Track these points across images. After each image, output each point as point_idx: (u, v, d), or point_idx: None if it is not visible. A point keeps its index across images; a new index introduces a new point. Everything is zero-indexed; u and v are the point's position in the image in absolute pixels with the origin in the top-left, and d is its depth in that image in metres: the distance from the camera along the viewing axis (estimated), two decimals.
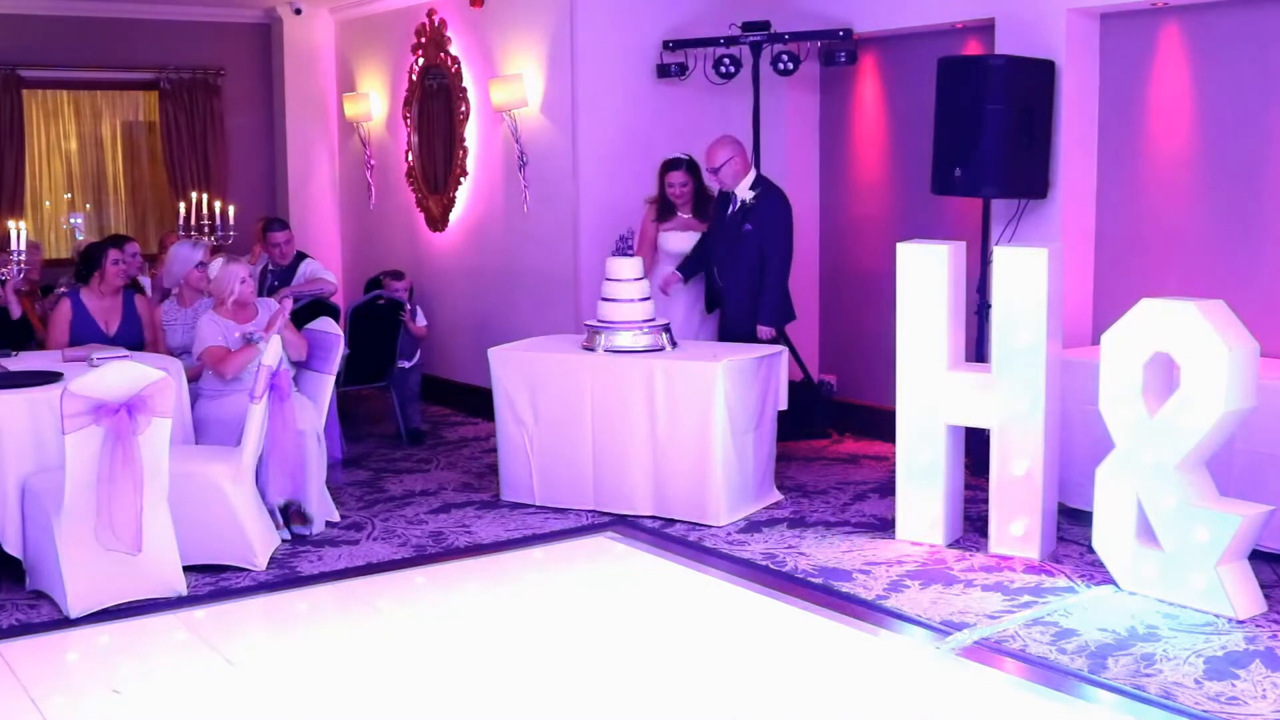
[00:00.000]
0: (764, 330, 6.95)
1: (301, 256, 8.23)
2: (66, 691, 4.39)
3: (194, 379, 6.26)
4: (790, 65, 7.66)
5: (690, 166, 7.23)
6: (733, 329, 7.04)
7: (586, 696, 4.31)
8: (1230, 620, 4.85)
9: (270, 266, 8.17)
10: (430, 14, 9.17)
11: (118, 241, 7.34)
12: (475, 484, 7.10)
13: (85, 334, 6.75)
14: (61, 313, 6.79)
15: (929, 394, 5.82)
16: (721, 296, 7.14)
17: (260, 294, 7.23)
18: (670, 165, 7.24)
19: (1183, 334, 4.93)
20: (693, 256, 7.21)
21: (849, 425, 8.03)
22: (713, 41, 7.77)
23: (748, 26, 7.73)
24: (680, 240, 7.24)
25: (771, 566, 5.61)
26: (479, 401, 8.17)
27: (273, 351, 5.69)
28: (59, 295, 7.23)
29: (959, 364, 5.88)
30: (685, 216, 7.27)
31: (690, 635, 4.84)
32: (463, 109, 8.96)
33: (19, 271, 6.85)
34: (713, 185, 7.18)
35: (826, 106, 8.35)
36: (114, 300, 6.87)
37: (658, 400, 6.25)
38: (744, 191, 6.98)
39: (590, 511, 6.45)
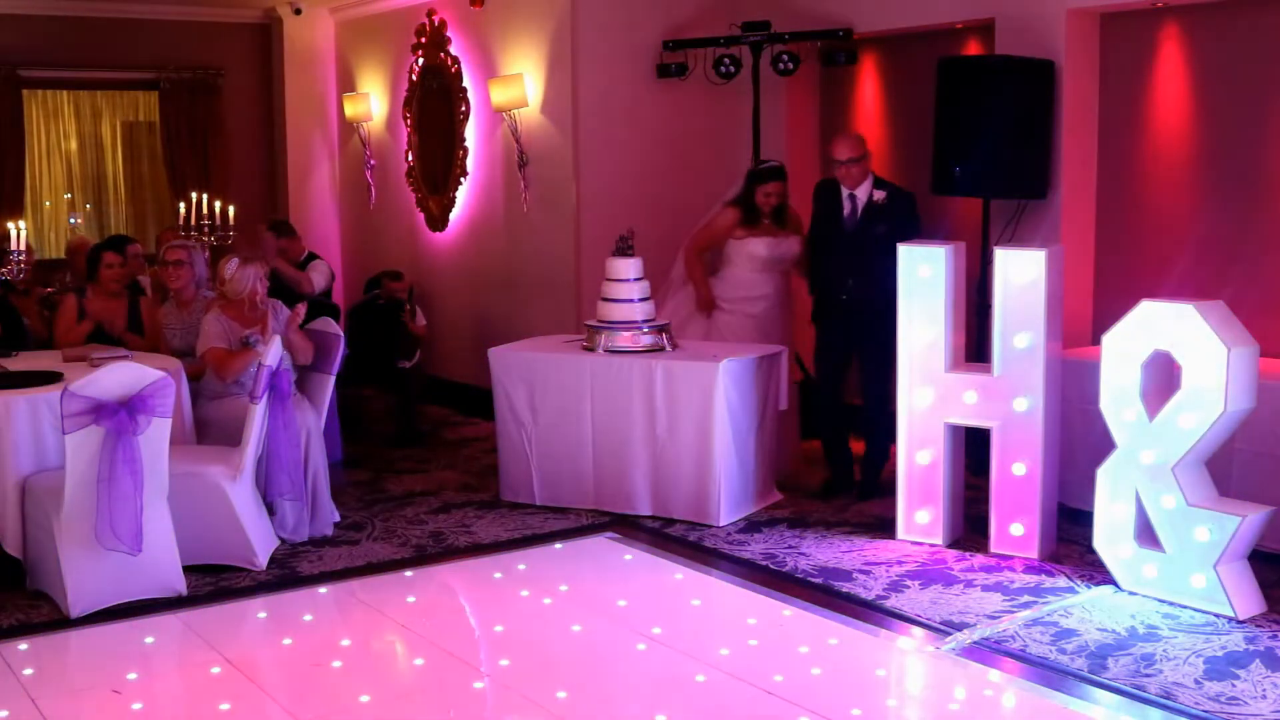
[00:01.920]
0: None
1: (313, 257, 8.23)
2: (66, 691, 4.39)
3: (195, 378, 6.25)
4: (790, 65, 7.66)
5: (785, 174, 7.04)
6: (870, 339, 6.50)
7: (586, 697, 4.31)
8: (1230, 620, 4.85)
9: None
10: (430, 14, 9.17)
11: (117, 244, 7.29)
12: (475, 484, 7.09)
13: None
14: (67, 309, 6.83)
15: (929, 394, 5.82)
16: (854, 307, 6.56)
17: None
18: (769, 175, 6.93)
19: (1183, 334, 4.93)
20: (810, 268, 6.91)
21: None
22: (713, 41, 7.77)
23: (748, 26, 7.73)
24: (766, 246, 6.93)
25: (771, 566, 5.61)
26: (479, 401, 8.17)
27: (272, 352, 5.68)
28: (63, 293, 7.24)
29: (959, 364, 5.88)
30: (765, 222, 6.98)
31: (690, 635, 4.84)
32: (463, 109, 8.96)
33: (19, 272, 6.86)
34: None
35: (826, 106, 8.34)
36: (116, 301, 6.88)
37: (658, 400, 6.25)
38: (868, 191, 6.63)
39: (590, 511, 6.45)
